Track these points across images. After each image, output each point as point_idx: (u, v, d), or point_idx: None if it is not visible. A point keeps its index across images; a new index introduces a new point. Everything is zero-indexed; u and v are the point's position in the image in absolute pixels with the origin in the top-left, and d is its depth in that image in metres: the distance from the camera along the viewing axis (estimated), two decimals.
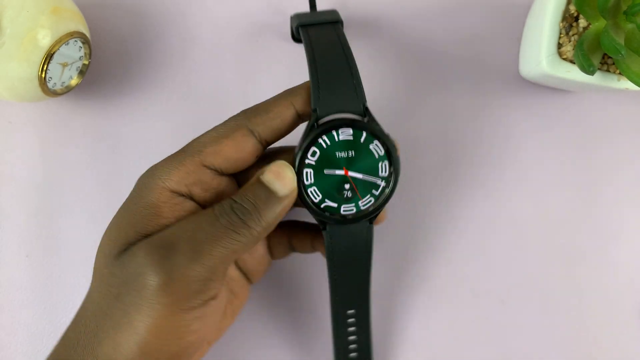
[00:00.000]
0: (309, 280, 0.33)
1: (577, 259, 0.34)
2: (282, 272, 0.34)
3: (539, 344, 0.33)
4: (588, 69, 0.27)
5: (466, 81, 0.34)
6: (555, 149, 0.34)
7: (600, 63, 0.29)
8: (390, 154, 0.26)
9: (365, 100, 0.26)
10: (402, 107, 0.34)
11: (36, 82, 0.29)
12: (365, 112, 0.26)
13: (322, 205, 0.26)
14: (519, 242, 0.34)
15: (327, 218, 0.26)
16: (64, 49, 0.29)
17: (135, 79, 0.34)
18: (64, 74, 0.30)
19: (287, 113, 0.26)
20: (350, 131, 0.25)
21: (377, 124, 0.26)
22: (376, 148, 0.26)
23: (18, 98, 0.29)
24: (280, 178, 0.25)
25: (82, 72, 0.32)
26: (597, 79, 0.28)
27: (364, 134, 0.26)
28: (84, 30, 0.30)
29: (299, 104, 0.26)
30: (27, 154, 0.34)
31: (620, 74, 0.28)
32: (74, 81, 0.31)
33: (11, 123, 0.34)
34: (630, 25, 0.27)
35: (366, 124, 0.26)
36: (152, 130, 0.34)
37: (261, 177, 0.25)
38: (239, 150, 0.25)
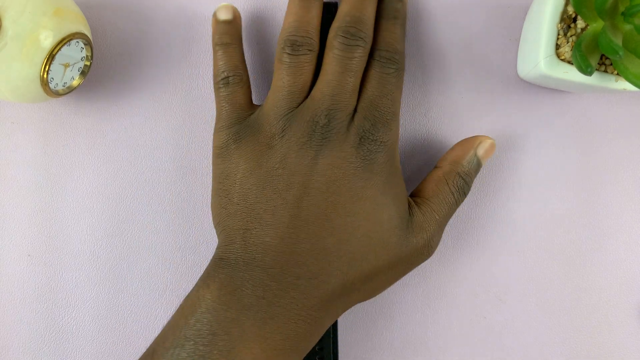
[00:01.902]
0: None
1: (576, 258, 0.34)
2: None
3: (538, 343, 0.33)
4: (586, 70, 0.27)
5: (464, 82, 0.34)
6: (554, 149, 0.34)
7: (598, 64, 0.29)
8: None
9: None
10: (402, 107, 0.34)
11: (38, 83, 0.29)
12: None
13: None
14: (518, 242, 0.34)
15: None
16: (65, 50, 0.29)
17: (137, 80, 0.34)
18: (66, 75, 0.30)
19: None
20: None
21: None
22: None
23: (20, 98, 0.29)
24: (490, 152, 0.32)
25: (83, 73, 0.32)
26: (595, 79, 0.29)
27: None
28: (86, 31, 0.31)
29: None
30: (29, 154, 0.34)
31: (618, 74, 0.28)
32: (75, 82, 0.32)
33: (13, 123, 0.34)
34: (628, 26, 0.27)
35: None
36: (153, 130, 0.34)
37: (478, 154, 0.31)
38: None
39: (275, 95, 0.29)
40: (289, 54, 0.29)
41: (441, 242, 0.34)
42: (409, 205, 0.29)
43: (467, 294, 0.34)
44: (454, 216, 0.34)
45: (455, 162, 0.30)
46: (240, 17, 0.33)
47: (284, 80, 0.29)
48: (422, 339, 0.33)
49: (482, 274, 0.34)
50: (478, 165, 0.31)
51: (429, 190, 0.30)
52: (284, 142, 0.28)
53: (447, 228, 0.34)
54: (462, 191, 0.30)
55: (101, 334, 0.33)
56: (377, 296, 0.33)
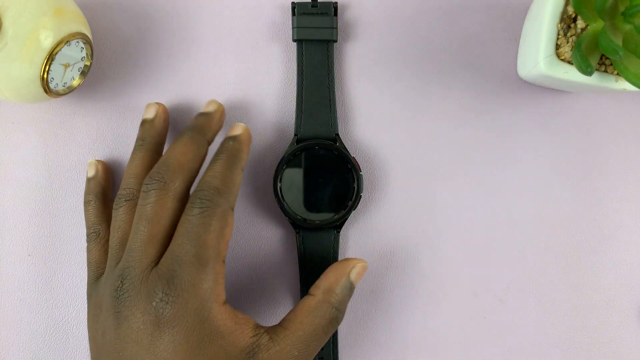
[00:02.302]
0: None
1: (575, 258, 0.34)
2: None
3: (538, 343, 0.33)
4: (586, 70, 0.27)
5: (464, 82, 0.34)
6: (553, 149, 0.34)
7: (598, 64, 0.29)
8: (354, 173, 0.32)
9: (337, 130, 0.33)
10: (401, 107, 0.34)
11: (38, 83, 0.29)
12: (337, 137, 0.32)
13: (295, 212, 0.31)
14: (518, 242, 0.34)
15: (299, 221, 0.31)
16: (66, 50, 0.29)
17: (137, 80, 0.34)
18: (66, 75, 0.30)
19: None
20: (322, 152, 0.32)
21: (344, 148, 0.32)
22: (342, 167, 0.32)
23: (20, 98, 0.29)
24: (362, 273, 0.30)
25: (84, 73, 0.32)
26: (595, 79, 0.29)
27: (333, 156, 0.32)
28: (86, 31, 0.31)
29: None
30: (29, 153, 0.34)
31: (618, 74, 0.28)
32: (75, 82, 0.32)
33: (13, 123, 0.34)
34: (628, 26, 0.27)
35: (336, 147, 0.32)
36: None
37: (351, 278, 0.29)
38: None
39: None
40: (113, 209, 0.29)
41: (441, 242, 0.34)
42: (257, 340, 0.26)
43: (467, 294, 0.34)
44: (454, 216, 0.34)
45: (328, 291, 0.28)
46: (104, 169, 0.33)
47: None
48: (422, 339, 0.33)
49: (482, 273, 0.34)
50: (351, 290, 0.29)
51: (297, 323, 0.27)
52: (103, 306, 0.27)
53: (447, 227, 0.34)
54: (336, 322, 0.28)
55: None
56: (377, 296, 0.33)
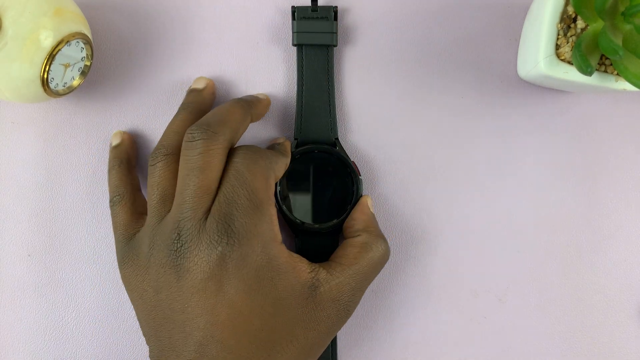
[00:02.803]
0: None
1: (575, 258, 0.34)
2: None
3: (538, 343, 0.33)
4: (586, 70, 0.27)
5: (464, 82, 0.34)
6: (553, 149, 0.34)
7: (598, 64, 0.29)
8: (354, 177, 0.32)
9: (337, 134, 0.33)
10: (401, 107, 0.34)
11: (38, 83, 0.29)
12: (336, 142, 0.33)
13: (294, 216, 0.31)
14: (518, 242, 0.34)
15: (298, 225, 0.31)
16: (66, 50, 0.29)
17: (137, 80, 0.34)
18: (66, 75, 0.30)
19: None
20: (322, 156, 0.32)
21: (343, 152, 0.32)
22: (342, 172, 0.32)
23: (20, 98, 0.29)
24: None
25: (84, 73, 0.32)
26: (595, 80, 0.29)
27: (332, 160, 0.32)
28: (86, 31, 0.31)
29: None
30: (29, 154, 0.34)
31: (618, 74, 0.28)
32: (75, 82, 0.32)
33: (14, 123, 0.34)
34: (628, 26, 0.27)
35: (335, 151, 0.32)
36: (153, 130, 0.34)
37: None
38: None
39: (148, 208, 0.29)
40: (149, 164, 0.29)
41: (441, 242, 0.34)
42: (316, 275, 0.28)
43: (467, 294, 0.34)
44: (454, 216, 0.34)
45: (368, 228, 0.31)
46: (129, 138, 0.33)
47: (148, 192, 0.29)
48: (422, 339, 0.33)
49: (482, 274, 0.34)
50: (376, 221, 0.32)
51: (351, 258, 0.29)
52: (152, 263, 0.27)
53: (447, 228, 0.34)
54: (388, 253, 0.30)
55: (101, 334, 0.33)
56: (377, 296, 0.33)
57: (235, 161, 0.27)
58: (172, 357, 0.26)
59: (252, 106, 0.31)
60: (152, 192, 0.28)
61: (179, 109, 0.31)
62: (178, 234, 0.26)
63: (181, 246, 0.26)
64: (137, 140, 0.34)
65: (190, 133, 0.27)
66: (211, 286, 0.25)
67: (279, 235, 0.27)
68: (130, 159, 0.32)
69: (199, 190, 0.26)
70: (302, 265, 0.28)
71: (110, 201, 0.31)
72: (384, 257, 0.30)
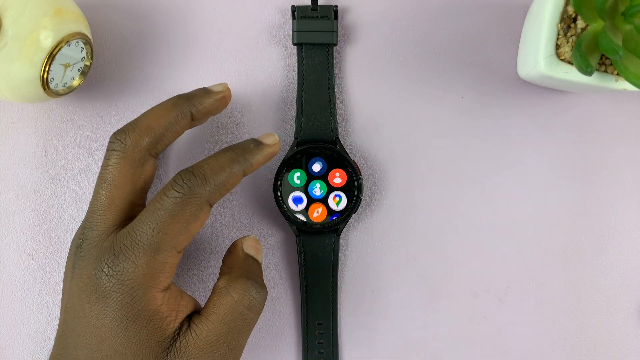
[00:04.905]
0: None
1: (575, 258, 0.34)
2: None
3: (537, 342, 0.33)
4: (586, 70, 0.27)
5: (464, 82, 0.34)
6: (553, 149, 0.34)
7: (598, 64, 0.29)
8: (354, 176, 0.31)
9: (337, 133, 0.33)
10: (401, 110, 0.34)
11: (38, 83, 0.29)
12: (337, 141, 0.32)
13: (295, 214, 0.31)
14: (518, 242, 0.34)
15: (300, 224, 0.31)
16: (66, 50, 0.29)
17: (137, 80, 0.34)
18: (66, 75, 0.30)
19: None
20: (322, 156, 0.32)
21: (344, 151, 0.32)
22: (342, 170, 0.32)
23: (20, 99, 0.29)
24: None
25: (84, 73, 0.32)
26: (595, 79, 0.29)
27: (333, 159, 0.32)
28: (86, 31, 0.31)
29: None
30: (29, 154, 0.34)
31: (618, 74, 0.28)
32: (75, 82, 0.32)
33: (14, 123, 0.34)
34: (628, 26, 0.27)
35: (336, 150, 0.32)
36: None
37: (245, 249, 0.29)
38: None
39: None
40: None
41: (441, 243, 0.34)
42: (179, 327, 0.26)
43: (467, 294, 0.34)
44: (454, 216, 0.34)
45: (230, 269, 0.28)
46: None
47: None
48: (422, 339, 0.33)
49: (482, 273, 0.34)
50: (258, 264, 0.29)
51: (209, 305, 0.27)
52: (69, 256, 0.28)
53: (447, 228, 0.34)
54: (252, 295, 0.27)
55: None
56: (377, 296, 0.33)
57: (164, 194, 0.26)
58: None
59: (194, 102, 0.29)
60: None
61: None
62: (82, 239, 0.27)
63: (81, 251, 0.27)
64: None
65: (110, 142, 0.27)
66: (84, 299, 0.26)
67: (163, 283, 0.26)
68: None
69: (106, 205, 0.27)
70: (179, 316, 0.26)
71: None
72: (251, 303, 0.26)
